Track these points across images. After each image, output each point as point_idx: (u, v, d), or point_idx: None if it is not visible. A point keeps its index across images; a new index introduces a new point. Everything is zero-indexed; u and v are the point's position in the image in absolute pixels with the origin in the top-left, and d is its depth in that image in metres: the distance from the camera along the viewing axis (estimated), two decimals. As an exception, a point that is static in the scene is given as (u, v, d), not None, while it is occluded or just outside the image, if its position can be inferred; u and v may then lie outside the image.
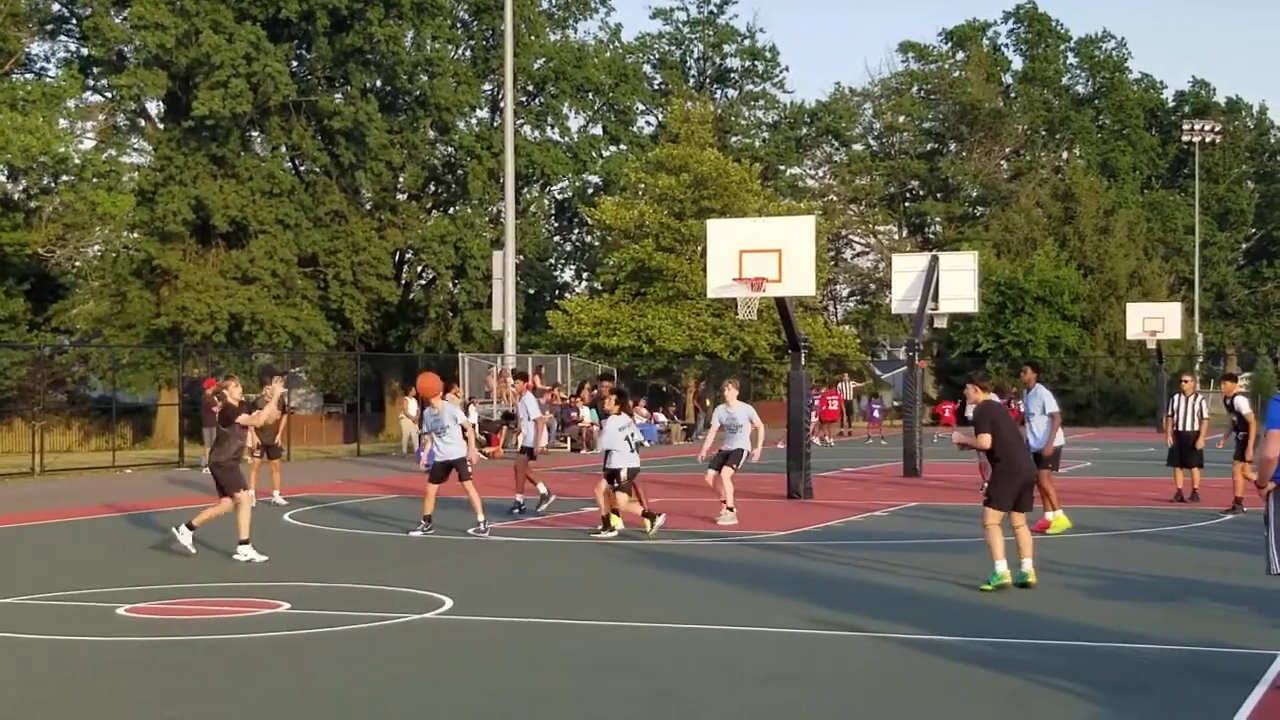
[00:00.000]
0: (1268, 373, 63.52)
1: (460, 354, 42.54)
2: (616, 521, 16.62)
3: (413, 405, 33.35)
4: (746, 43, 70.53)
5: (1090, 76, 78.13)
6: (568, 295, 57.35)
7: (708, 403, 44.16)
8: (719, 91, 71.82)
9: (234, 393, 15.23)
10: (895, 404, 55.52)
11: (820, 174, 75.75)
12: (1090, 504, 20.47)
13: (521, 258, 49.31)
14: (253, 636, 10.40)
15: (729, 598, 12.09)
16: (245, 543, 14.63)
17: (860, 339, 59.32)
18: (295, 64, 50.05)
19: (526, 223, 53.63)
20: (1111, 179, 71.61)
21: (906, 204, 75.87)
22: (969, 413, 12.92)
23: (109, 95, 48.76)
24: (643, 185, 51.76)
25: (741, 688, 8.67)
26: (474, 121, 55.73)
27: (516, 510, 19.24)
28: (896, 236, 74.75)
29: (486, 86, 55.93)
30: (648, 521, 16.49)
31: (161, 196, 45.47)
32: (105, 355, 43.51)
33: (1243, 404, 19.76)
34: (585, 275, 63.94)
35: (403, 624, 10.87)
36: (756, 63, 71.02)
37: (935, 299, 29.60)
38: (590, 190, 60.77)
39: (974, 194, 74.90)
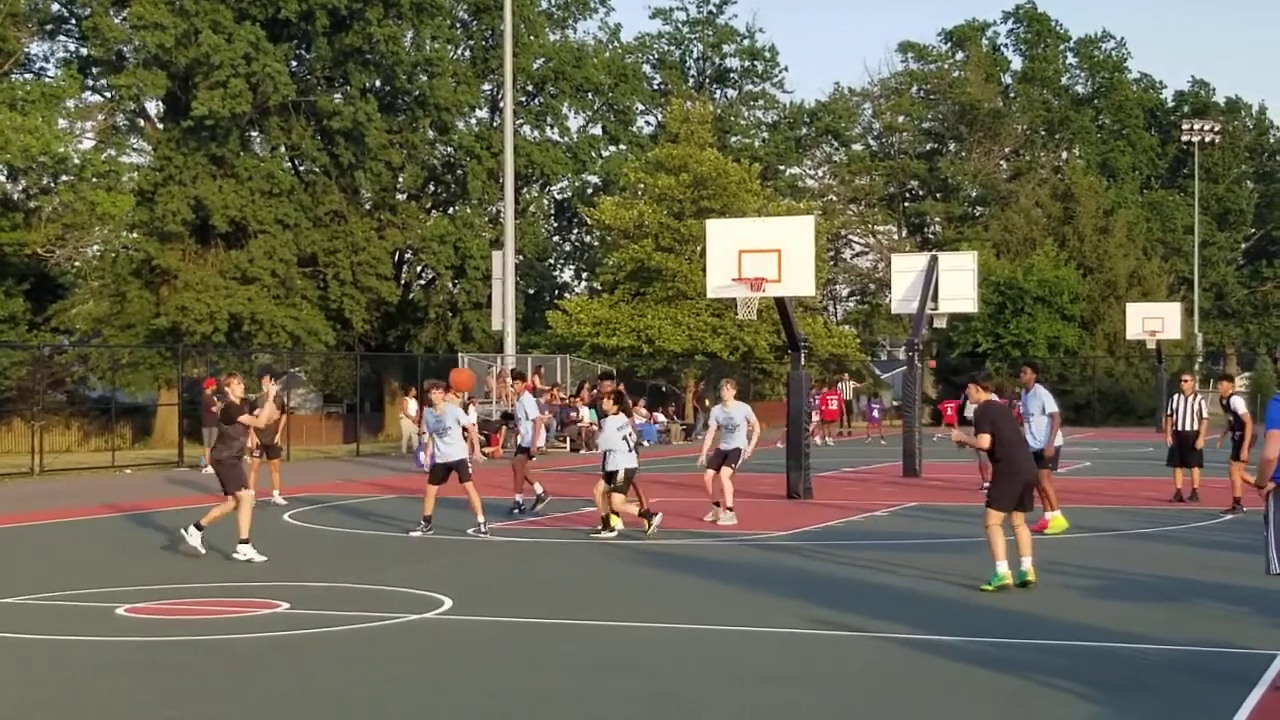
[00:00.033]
0: (1267, 372, 63.52)
1: (460, 354, 42.56)
2: (616, 522, 16.61)
3: (412, 405, 33.36)
4: (746, 43, 70.55)
5: (1090, 76, 78.14)
6: (567, 295, 57.35)
7: (707, 403, 44.15)
8: (718, 91, 71.85)
9: (236, 389, 15.20)
10: (894, 404, 55.53)
11: (820, 174, 75.80)
12: (1090, 504, 20.47)
13: (521, 258, 49.30)
14: (252, 636, 10.40)
15: (729, 598, 12.09)
16: (245, 542, 14.63)
17: (860, 339, 59.32)
18: (294, 64, 50.04)
19: (526, 223, 53.63)
20: (1111, 179, 71.61)
21: (906, 204, 75.87)
22: (968, 412, 12.93)
23: (108, 95, 48.75)
24: (642, 185, 51.76)
25: (741, 688, 8.66)
26: (473, 121, 55.76)
27: (516, 510, 19.24)
28: (896, 236, 74.74)
29: (486, 86, 55.92)
30: (645, 521, 16.51)
31: (161, 196, 45.47)
32: (105, 355, 43.51)
33: (1239, 404, 19.77)
34: (585, 275, 63.94)
35: (402, 624, 10.86)
36: (756, 63, 71.02)
37: (935, 299, 29.60)
38: (590, 190, 60.76)
39: (973, 194, 74.89)
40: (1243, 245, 79.98)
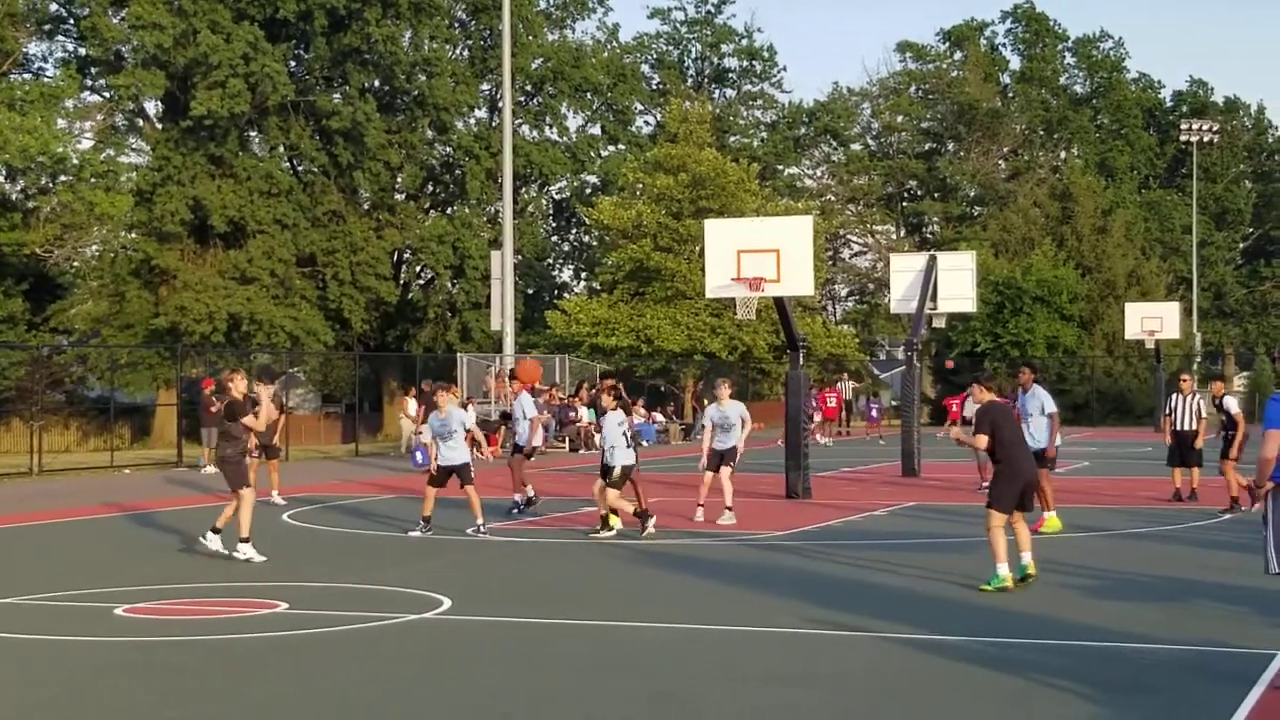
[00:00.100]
0: (1265, 372, 63.49)
1: (459, 354, 42.53)
2: (615, 521, 16.63)
3: (412, 405, 33.34)
4: (744, 42, 70.54)
5: (1088, 76, 78.13)
6: (566, 295, 57.33)
7: (705, 402, 44.18)
8: (717, 91, 71.84)
9: (239, 386, 15.15)
10: (893, 403, 55.55)
11: (818, 174, 75.77)
12: (1089, 504, 20.48)
13: (520, 258, 49.32)
14: (251, 637, 10.40)
15: (728, 598, 12.09)
16: (245, 541, 14.62)
17: (859, 339, 59.32)
18: (293, 64, 50.04)
19: (525, 223, 53.63)
20: (1109, 179, 71.61)
21: (904, 204, 75.85)
22: (968, 411, 12.94)
23: (107, 95, 48.74)
24: (641, 185, 51.76)
25: (741, 688, 8.66)
26: (472, 121, 55.74)
27: (515, 510, 19.23)
28: (894, 236, 74.73)
29: (484, 86, 55.91)
30: (641, 522, 16.53)
31: (159, 196, 45.46)
32: (103, 355, 43.49)
33: (1231, 404, 19.80)
34: (584, 275, 63.93)
35: (402, 624, 10.86)
36: (754, 62, 71.02)
37: (933, 299, 29.61)
38: (588, 190, 60.75)
39: (972, 194, 74.88)
40: (1241, 245, 79.96)
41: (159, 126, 49.32)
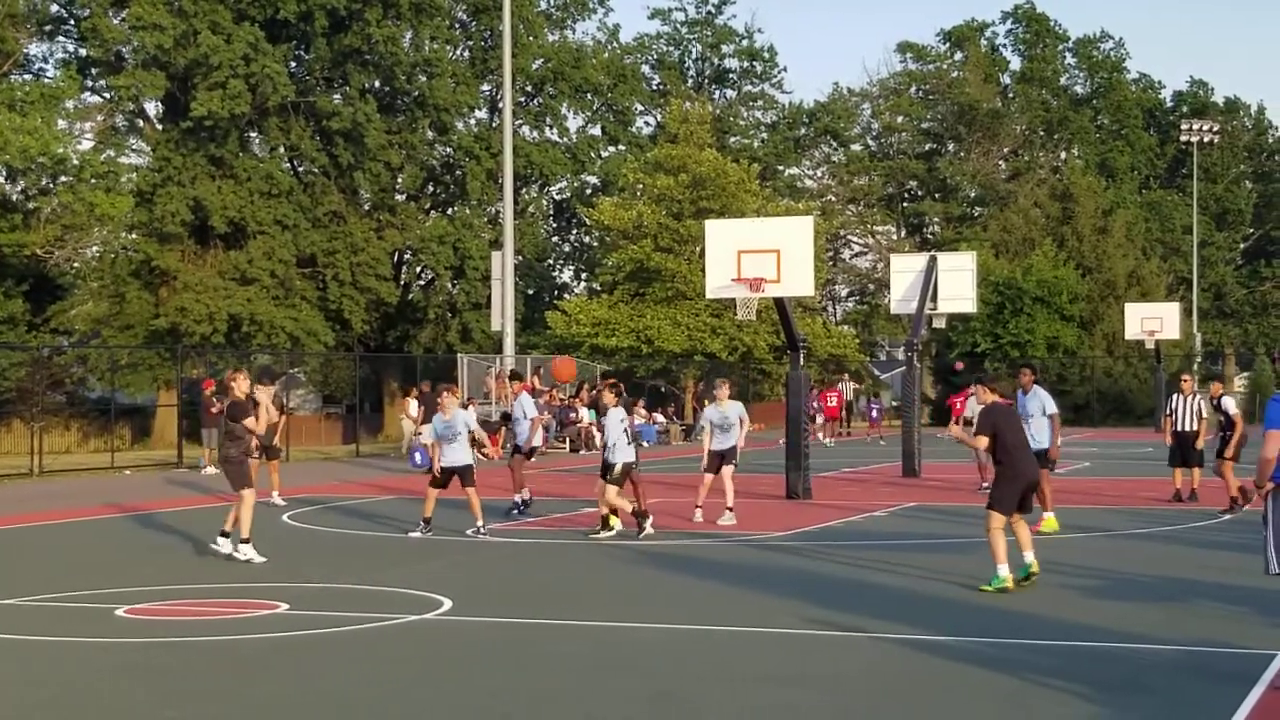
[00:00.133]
0: (1266, 372, 63.49)
1: (459, 355, 42.53)
2: (615, 522, 16.64)
3: (413, 406, 33.34)
4: (744, 43, 70.56)
5: (1088, 76, 78.13)
6: (566, 296, 57.35)
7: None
8: (717, 92, 71.85)
9: (241, 385, 15.12)
10: (894, 404, 55.55)
11: (818, 174, 75.79)
12: (1089, 504, 20.48)
13: (520, 258, 49.31)
14: (252, 637, 10.40)
15: (728, 598, 12.09)
16: (246, 541, 14.62)
17: (859, 339, 59.33)
18: (293, 65, 50.04)
19: (525, 223, 53.63)
20: (1110, 179, 71.61)
21: (905, 204, 75.86)
22: (969, 412, 12.94)
23: (107, 96, 48.74)
24: (641, 186, 51.78)
25: (741, 688, 8.67)
26: (472, 122, 55.75)
27: (515, 511, 19.24)
28: (895, 237, 74.73)
29: (485, 87, 55.92)
30: (638, 521, 16.55)
31: (160, 197, 45.47)
32: (104, 356, 43.50)
33: (1229, 404, 19.80)
34: (584, 276, 63.95)
35: (402, 625, 10.86)
36: (755, 63, 71.03)
37: (934, 299, 29.61)
38: (589, 191, 60.77)
39: (972, 194, 74.88)
40: (1241, 245, 79.97)
41: (159, 127, 49.33)
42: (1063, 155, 76.52)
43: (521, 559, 15.27)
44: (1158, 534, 16.88)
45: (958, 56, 75.56)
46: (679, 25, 70.34)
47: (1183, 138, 70.56)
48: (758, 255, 21.19)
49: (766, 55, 70.92)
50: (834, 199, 72.81)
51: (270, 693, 8.72)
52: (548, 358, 43.75)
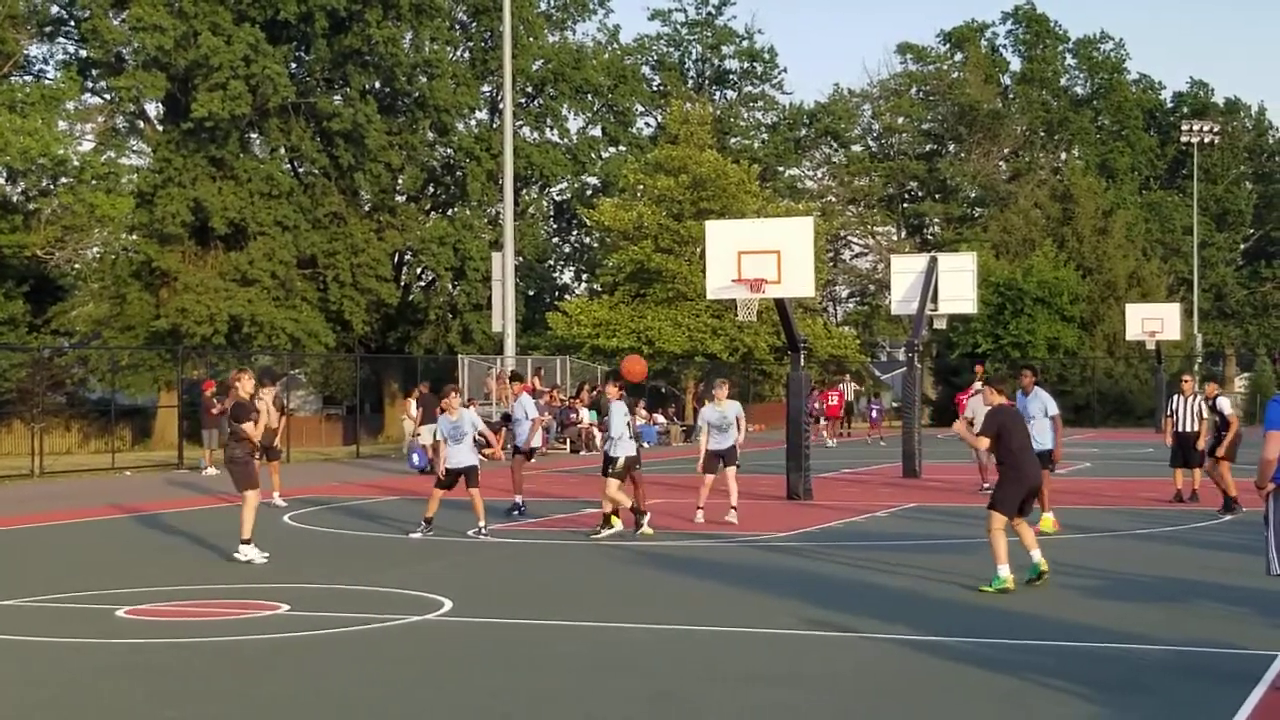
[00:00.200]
0: (1266, 373, 63.50)
1: (460, 356, 42.55)
2: (616, 522, 16.65)
3: (415, 407, 33.33)
4: (745, 44, 70.57)
5: (1089, 77, 78.13)
6: (567, 297, 57.35)
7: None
8: (717, 93, 71.85)
9: (245, 385, 15.11)
10: (894, 405, 55.54)
11: (819, 175, 75.78)
12: (1090, 504, 20.49)
13: (520, 259, 49.32)
14: (252, 638, 10.40)
15: (729, 598, 12.10)
16: (246, 542, 14.62)
17: (859, 340, 59.34)
18: (294, 66, 50.06)
19: (525, 224, 53.65)
20: (1110, 180, 71.60)
21: (905, 205, 75.85)
22: (970, 411, 12.94)
23: (108, 97, 48.78)
24: (641, 186, 51.79)
25: (741, 688, 8.67)
26: (473, 123, 55.76)
27: (515, 511, 19.25)
28: (895, 237, 74.71)
29: (485, 88, 55.93)
30: (636, 516, 16.57)
31: (160, 198, 45.49)
32: (104, 357, 43.53)
33: (1224, 404, 19.81)
34: (584, 277, 63.96)
35: (402, 625, 10.87)
36: (755, 64, 71.04)
37: (934, 300, 29.61)
38: (589, 192, 60.79)
39: (972, 195, 74.87)
40: (1242, 246, 79.95)
41: (160, 128, 49.35)
42: (1063, 156, 76.52)
43: (521, 559, 15.28)
44: (1158, 534, 16.88)
45: (958, 57, 75.55)
46: (679, 26, 70.41)
47: (1183, 138, 70.56)
48: (758, 256, 21.19)
49: (767, 56, 70.96)
50: (834, 200, 72.81)
51: (271, 693, 8.72)
52: (549, 359, 43.78)
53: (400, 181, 53.70)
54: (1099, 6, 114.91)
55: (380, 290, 49.57)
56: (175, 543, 16.72)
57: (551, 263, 63.28)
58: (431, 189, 56.79)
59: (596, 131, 61.77)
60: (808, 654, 9.80)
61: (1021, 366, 19.01)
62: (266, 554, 14.73)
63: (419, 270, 55.84)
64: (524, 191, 56.63)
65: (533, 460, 20.43)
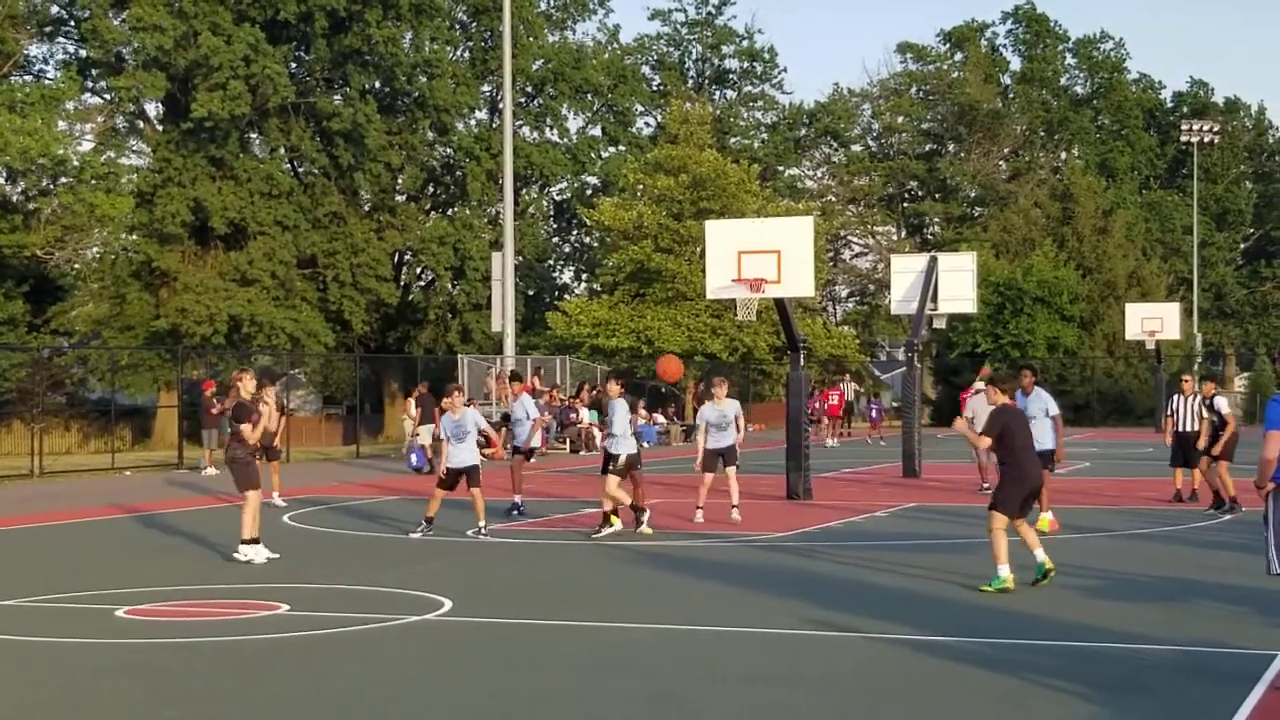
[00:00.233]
0: (1266, 373, 63.48)
1: (459, 355, 42.55)
2: (617, 521, 16.65)
3: (414, 407, 33.32)
4: (745, 44, 70.59)
5: (1089, 77, 78.14)
6: (567, 296, 57.36)
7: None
8: (717, 92, 71.87)
9: (247, 385, 15.10)
10: (894, 404, 55.54)
11: (819, 175, 75.80)
12: (1089, 504, 20.49)
13: (520, 259, 49.33)
14: (252, 638, 10.40)
15: (728, 598, 12.10)
16: (247, 542, 14.62)
17: (859, 340, 59.34)
18: (294, 65, 50.07)
19: (525, 224, 53.65)
20: (1110, 179, 71.62)
21: (905, 204, 75.86)
22: (967, 411, 12.92)
23: (107, 97, 48.78)
24: (641, 186, 51.79)
25: (741, 688, 8.67)
26: (473, 123, 55.78)
27: (515, 511, 19.25)
28: (895, 237, 74.71)
29: (485, 88, 55.94)
30: (635, 514, 16.58)
31: (160, 198, 45.49)
32: (104, 357, 43.53)
33: (1222, 404, 19.81)
34: (584, 276, 63.97)
35: (403, 625, 10.87)
36: (755, 64, 71.05)
37: (934, 300, 29.61)
38: (589, 191, 60.79)
39: (972, 194, 74.88)
40: (1241, 245, 79.97)
41: (159, 128, 49.36)
42: (1063, 155, 76.53)
43: (521, 559, 15.28)
44: (1158, 534, 16.88)
45: (958, 57, 75.56)
46: (679, 26, 70.43)
47: (1183, 138, 70.57)
48: (758, 256, 21.19)
49: (766, 56, 70.98)
50: (834, 199, 72.81)
51: (271, 693, 8.72)
52: (549, 359, 43.78)
53: (400, 181, 53.71)
54: (1099, 6, 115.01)
55: (380, 290, 49.58)
56: (175, 543, 16.72)
57: (551, 262, 63.30)
58: (431, 189, 56.80)
59: (596, 131, 61.81)
60: (808, 654, 9.80)
61: (1021, 366, 19.01)
62: (276, 554, 14.73)
63: (419, 270, 55.85)
64: (524, 191, 56.64)
65: (532, 460, 20.40)
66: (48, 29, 48.79)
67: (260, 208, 46.89)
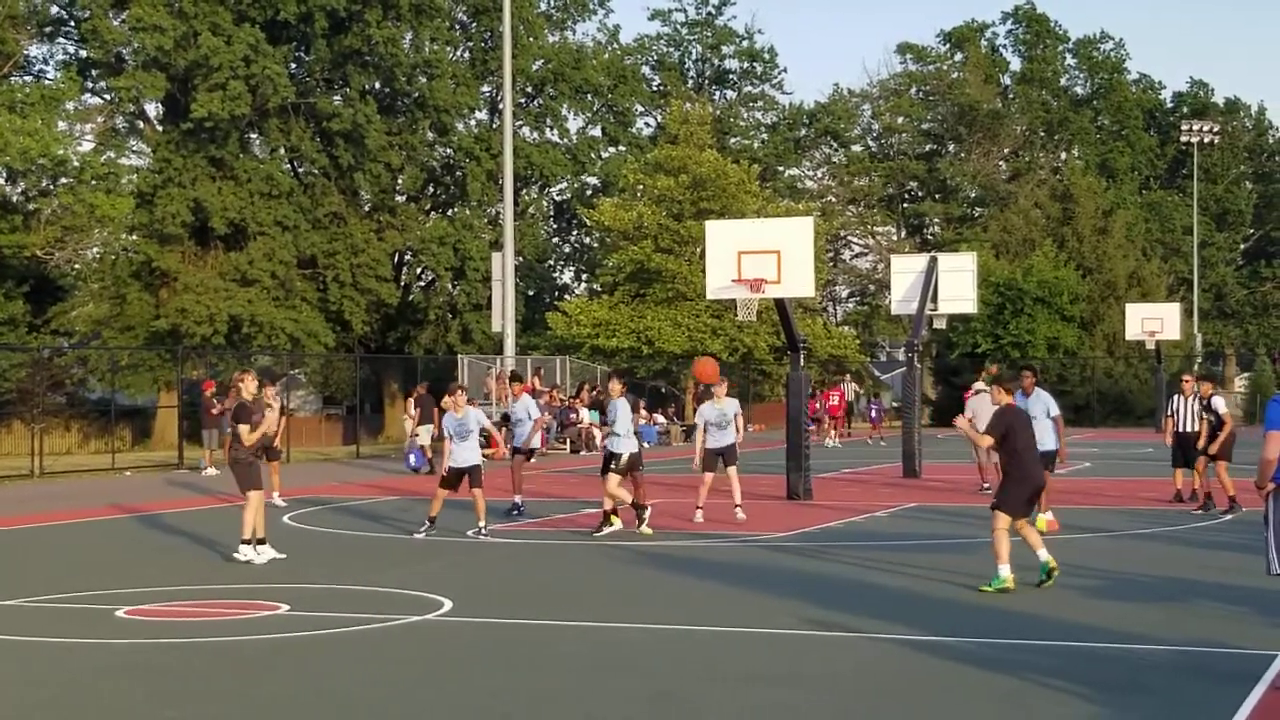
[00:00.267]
0: (1266, 373, 63.46)
1: (459, 356, 42.54)
2: (617, 521, 16.66)
3: (414, 407, 33.30)
4: (745, 44, 70.56)
5: (1089, 77, 78.14)
6: (567, 297, 57.36)
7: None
8: (717, 93, 71.86)
9: (249, 386, 15.09)
10: (894, 405, 55.53)
11: (819, 175, 75.78)
12: (1090, 504, 20.49)
13: (520, 259, 49.32)
14: (252, 638, 10.40)
15: (728, 598, 12.10)
16: (247, 542, 14.62)
17: (859, 340, 59.33)
18: (294, 66, 50.07)
19: (525, 224, 53.65)
20: (1110, 179, 71.61)
21: (905, 205, 75.85)
22: (968, 411, 12.92)
23: (108, 97, 48.79)
24: (641, 186, 51.79)
25: (741, 688, 8.67)
26: (473, 123, 55.78)
27: (515, 511, 19.25)
28: (895, 237, 74.70)
29: (485, 88, 55.94)
30: (636, 512, 16.58)
31: (160, 198, 45.50)
32: (104, 357, 43.53)
33: (1220, 404, 19.81)
34: (584, 277, 63.97)
35: (403, 625, 10.87)
36: (755, 64, 71.04)
37: (934, 300, 29.61)
38: (589, 192, 60.79)
39: (972, 195, 74.87)
40: (1242, 246, 79.97)
41: (159, 128, 49.36)
42: (1063, 156, 76.52)
43: (521, 559, 15.28)
44: (1158, 534, 16.88)
45: (958, 57, 75.55)
46: (679, 26, 70.42)
47: (1183, 138, 70.58)
48: (758, 256, 21.19)
49: (766, 56, 70.96)
50: (834, 200, 72.80)
51: (271, 693, 8.72)
52: (549, 359, 43.78)
53: (400, 181, 53.71)
54: (1099, 6, 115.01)
55: (380, 290, 49.58)
56: (175, 543, 16.72)
57: (551, 263, 63.30)
58: (431, 189, 56.80)
59: (596, 131, 61.80)
60: (808, 654, 9.80)
61: (1022, 367, 19.01)
62: (283, 555, 14.72)
63: (419, 270, 55.85)
64: (524, 191, 56.63)
65: (532, 460, 20.40)
66: (48, 29, 48.80)
67: (260, 208, 46.90)
